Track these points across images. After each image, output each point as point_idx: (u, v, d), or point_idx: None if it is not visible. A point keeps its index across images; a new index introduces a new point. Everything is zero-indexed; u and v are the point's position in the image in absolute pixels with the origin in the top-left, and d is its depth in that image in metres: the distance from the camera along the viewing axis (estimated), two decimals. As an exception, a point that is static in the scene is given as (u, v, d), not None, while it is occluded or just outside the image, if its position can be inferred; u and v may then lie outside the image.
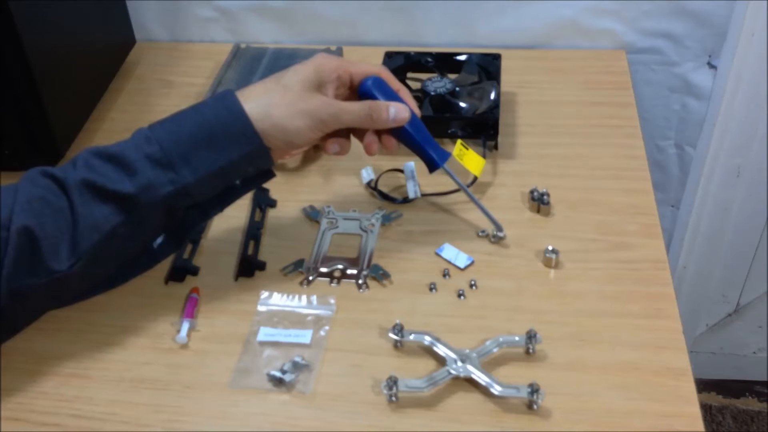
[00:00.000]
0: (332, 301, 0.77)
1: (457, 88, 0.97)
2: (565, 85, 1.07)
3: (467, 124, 0.94)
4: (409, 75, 1.03)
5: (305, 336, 0.74)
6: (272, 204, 0.90)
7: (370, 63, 0.77)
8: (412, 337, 0.72)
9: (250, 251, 0.83)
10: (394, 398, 0.68)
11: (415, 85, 0.98)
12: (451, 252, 0.82)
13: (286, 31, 1.18)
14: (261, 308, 0.77)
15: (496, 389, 0.67)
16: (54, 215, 0.66)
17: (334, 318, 0.76)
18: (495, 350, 0.71)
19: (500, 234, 0.83)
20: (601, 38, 1.13)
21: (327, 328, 0.75)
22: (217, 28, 1.20)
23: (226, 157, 0.68)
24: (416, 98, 0.80)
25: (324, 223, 0.86)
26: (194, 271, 0.81)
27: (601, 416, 0.66)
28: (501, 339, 0.72)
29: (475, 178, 0.88)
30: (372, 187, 0.91)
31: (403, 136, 0.76)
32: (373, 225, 0.85)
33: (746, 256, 1.31)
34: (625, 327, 0.73)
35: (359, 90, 0.75)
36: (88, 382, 0.72)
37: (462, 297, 0.78)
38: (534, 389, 0.66)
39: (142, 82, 1.13)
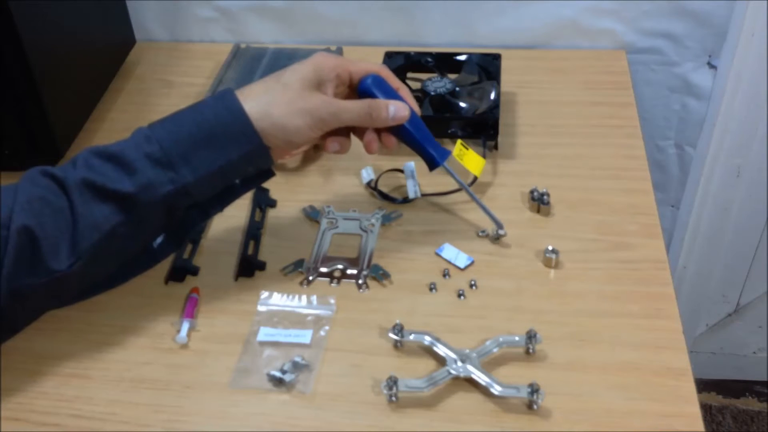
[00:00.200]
0: (332, 301, 0.77)
1: (457, 88, 0.97)
2: (565, 85, 1.07)
3: (467, 124, 0.94)
4: (409, 75, 1.03)
5: (305, 336, 0.74)
6: (272, 204, 0.90)
7: (369, 61, 0.77)
8: (412, 337, 0.72)
9: (250, 251, 0.83)
10: (394, 398, 0.68)
11: (415, 85, 0.98)
12: (451, 252, 0.82)
13: (286, 31, 1.18)
14: (261, 308, 0.77)
15: (496, 389, 0.67)
16: (54, 215, 0.66)
17: (334, 318, 0.76)
18: (495, 350, 0.71)
19: (501, 232, 0.83)
20: (601, 38, 1.13)
21: (327, 328, 0.75)
22: (217, 28, 1.20)
23: (225, 156, 0.68)
24: (416, 98, 0.80)
25: (324, 223, 0.86)
26: (194, 271, 0.81)
27: (601, 416, 0.66)
28: (501, 339, 0.72)
29: (475, 178, 0.88)
30: (372, 187, 0.91)
31: (402, 134, 0.76)
32: (373, 225, 0.85)
33: (746, 256, 1.31)
34: (625, 327, 0.73)
35: (359, 88, 0.75)
36: (88, 382, 0.72)
37: (462, 297, 0.78)
38: (534, 389, 0.66)
39: (142, 82, 1.13)
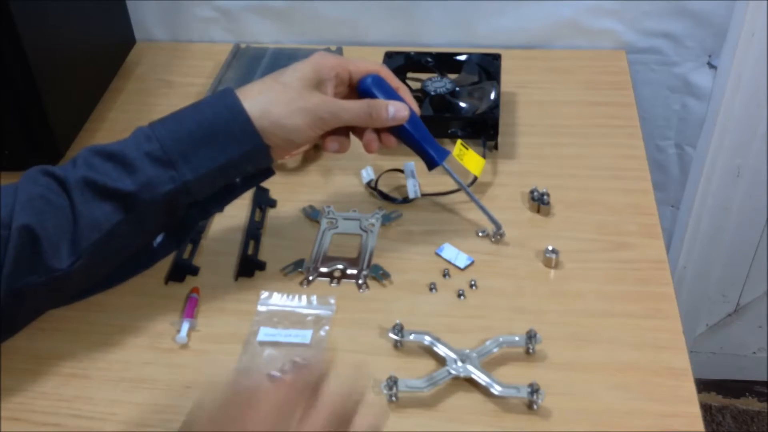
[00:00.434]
0: (332, 301, 0.77)
1: (457, 88, 0.97)
2: (565, 85, 1.07)
3: (467, 124, 0.94)
4: (409, 75, 1.03)
5: (305, 336, 0.74)
6: (272, 204, 0.90)
7: (369, 60, 0.77)
8: (412, 337, 0.72)
9: (250, 251, 0.83)
10: (394, 398, 0.68)
11: (415, 85, 0.98)
12: (451, 252, 0.82)
13: (286, 31, 1.18)
14: (261, 308, 0.77)
15: (496, 389, 0.67)
16: (54, 213, 0.66)
17: (334, 318, 0.76)
18: (495, 350, 0.71)
19: (500, 232, 0.83)
20: (601, 38, 1.13)
21: (327, 328, 0.75)
22: (217, 28, 1.20)
23: (225, 154, 0.68)
24: (416, 98, 0.80)
25: (324, 223, 0.86)
26: (194, 271, 0.81)
27: (601, 416, 0.66)
28: (501, 339, 0.72)
29: (475, 178, 0.88)
30: (372, 187, 0.91)
31: (402, 134, 0.76)
32: (373, 225, 0.85)
33: (746, 256, 1.31)
34: (625, 327, 0.73)
35: (358, 88, 0.75)
36: (88, 382, 0.72)
37: (462, 297, 0.78)
38: (534, 389, 0.66)
39: (142, 82, 1.13)
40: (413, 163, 0.86)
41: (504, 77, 1.01)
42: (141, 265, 0.75)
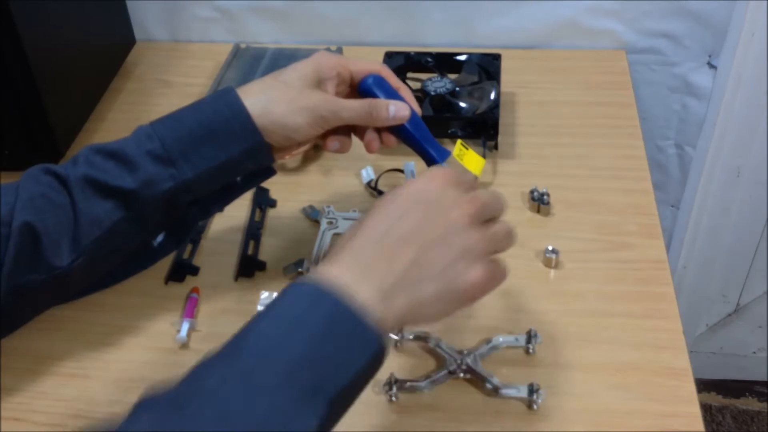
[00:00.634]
0: (332, 300, 0.77)
1: (457, 88, 0.97)
2: (565, 85, 1.07)
3: (467, 124, 0.94)
4: (409, 75, 1.03)
5: (305, 336, 0.74)
6: (272, 204, 0.90)
7: (369, 59, 0.77)
8: (412, 337, 0.72)
9: (250, 251, 0.83)
10: (394, 398, 0.68)
11: (415, 85, 0.98)
12: (451, 252, 0.82)
13: (286, 31, 1.18)
14: (261, 308, 0.77)
15: (496, 389, 0.67)
16: (55, 211, 0.66)
17: (334, 318, 0.76)
18: (495, 350, 0.71)
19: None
20: (601, 38, 1.13)
21: (327, 327, 0.75)
22: (217, 28, 1.20)
23: (226, 152, 0.68)
24: (416, 98, 0.80)
25: (324, 223, 0.86)
26: (194, 271, 0.81)
27: (601, 416, 0.66)
28: (501, 339, 0.72)
29: (475, 179, 0.88)
30: (372, 187, 0.91)
31: (402, 134, 0.76)
32: (373, 225, 0.85)
33: (746, 256, 1.31)
34: (625, 327, 0.73)
35: (359, 88, 0.75)
36: (87, 382, 0.72)
37: (462, 297, 0.77)
38: (534, 389, 0.66)
39: (141, 82, 1.13)
40: (413, 163, 0.86)
41: (504, 77, 1.01)
42: (141, 264, 0.75)
